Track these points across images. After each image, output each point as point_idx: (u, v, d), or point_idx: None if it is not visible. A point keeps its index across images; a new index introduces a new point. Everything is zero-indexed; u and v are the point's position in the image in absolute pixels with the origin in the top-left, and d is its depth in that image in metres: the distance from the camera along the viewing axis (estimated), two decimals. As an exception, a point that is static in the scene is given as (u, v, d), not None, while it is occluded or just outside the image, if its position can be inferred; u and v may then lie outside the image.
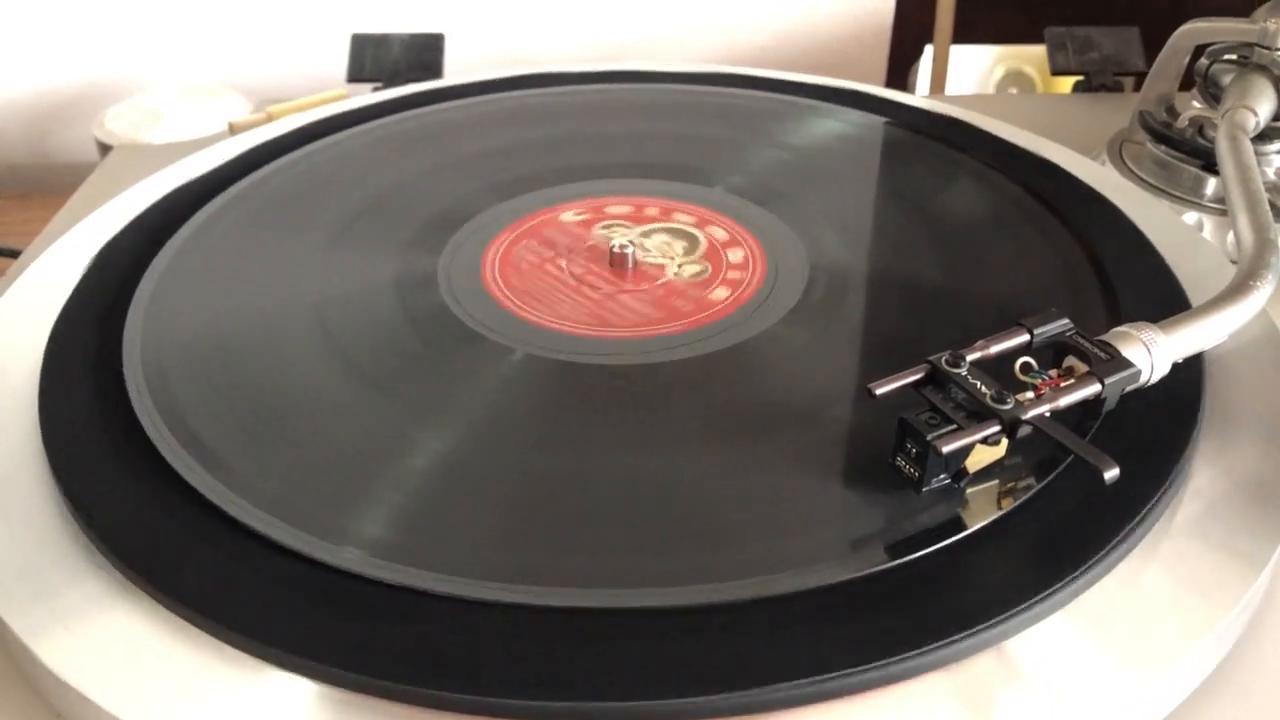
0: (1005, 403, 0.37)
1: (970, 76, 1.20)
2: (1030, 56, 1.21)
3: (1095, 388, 0.39)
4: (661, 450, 0.43)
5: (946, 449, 0.36)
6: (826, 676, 0.32)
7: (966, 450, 0.37)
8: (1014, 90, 1.21)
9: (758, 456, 0.42)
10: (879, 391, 0.38)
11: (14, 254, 0.62)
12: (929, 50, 1.14)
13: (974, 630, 0.34)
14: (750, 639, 0.34)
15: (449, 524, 0.39)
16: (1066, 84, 0.86)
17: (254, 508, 0.38)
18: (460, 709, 0.32)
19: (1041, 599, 0.35)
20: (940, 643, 0.33)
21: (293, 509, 0.38)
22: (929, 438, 0.37)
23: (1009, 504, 0.38)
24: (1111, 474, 0.35)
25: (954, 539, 0.37)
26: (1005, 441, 0.38)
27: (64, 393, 0.44)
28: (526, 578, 0.36)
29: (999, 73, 1.21)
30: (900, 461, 0.39)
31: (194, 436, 0.42)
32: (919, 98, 0.73)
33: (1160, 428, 0.42)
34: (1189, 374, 0.44)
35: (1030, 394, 0.38)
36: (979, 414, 0.37)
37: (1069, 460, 0.39)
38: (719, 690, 0.32)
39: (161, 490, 0.39)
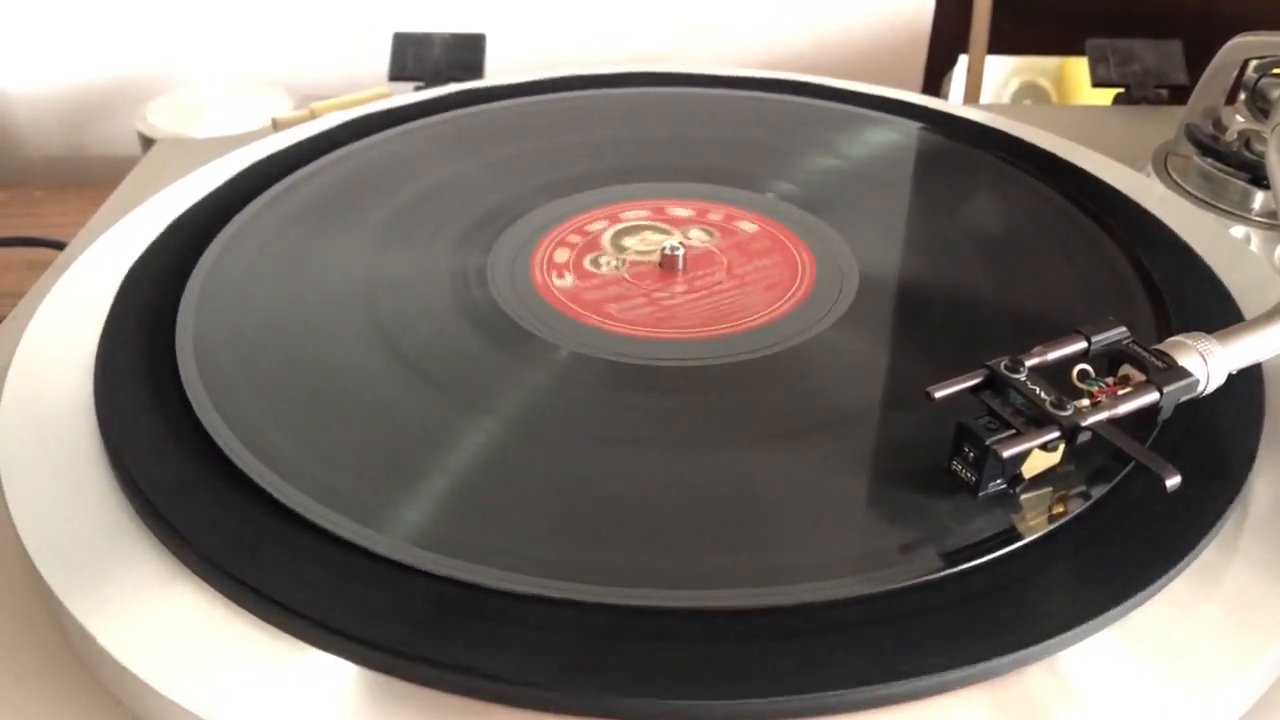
0: (1065, 409, 0.37)
1: (986, 86, 1.20)
2: (1045, 69, 1.21)
3: (1153, 396, 0.38)
4: (707, 454, 0.42)
5: (1006, 453, 0.36)
6: (874, 685, 0.32)
7: (1024, 455, 0.37)
8: (1029, 101, 1.20)
9: (807, 461, 0.42)
10: (938, 395, 0.38)
11: (59, 245, 0.63)
12: (963, 60, 1.14)
13: (1028, 642, 0.33)
14: (798, 645, 0.34)
15: (494, 517, 0.39)
16: (1082, 95, 0.86)
17: (306, 496, 0.38)
18: (497, 699, 0.33)
19: (1097, 614, 0.34)
20: (993, 654, 0.33)
21: (344, 497, 0.39)
22: (988, 442, 0.37)
23: (1065, 515, 0.38)
24: (1173, 481, 0.35)
25: (1009, 549, 0.37)
26: (1062, 448, 0.38)
27: (120, 382, 0.44)
28: (567, 573, 0.36)
29: (1014, 84, 1.21)
30: (957, 465, 0.38)
31: (247, 425, 0.42)
32: (966, 107, 0.73)
33: (1219, 446, 0.41)
34: (1248, 390, 0.43)
35: (1087, 401, 0.38)
36: (1037, 420, 0.37)
37: (1125, 471, 0.39)
38: (754, 695, 0.32)
39: (216, 477, 0.40)
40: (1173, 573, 0.36)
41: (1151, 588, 0.36)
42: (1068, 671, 0.34)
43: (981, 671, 0.33)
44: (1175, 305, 0.50)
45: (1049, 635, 0.34)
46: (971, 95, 1.09)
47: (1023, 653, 0.33)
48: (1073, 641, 0.34)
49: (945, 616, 0.35)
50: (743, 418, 0.44)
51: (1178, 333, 0.42)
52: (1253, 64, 0.66)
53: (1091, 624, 0.34)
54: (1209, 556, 0.38)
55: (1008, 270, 0.54)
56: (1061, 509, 0.38)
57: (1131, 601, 0.35)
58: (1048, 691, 0.33)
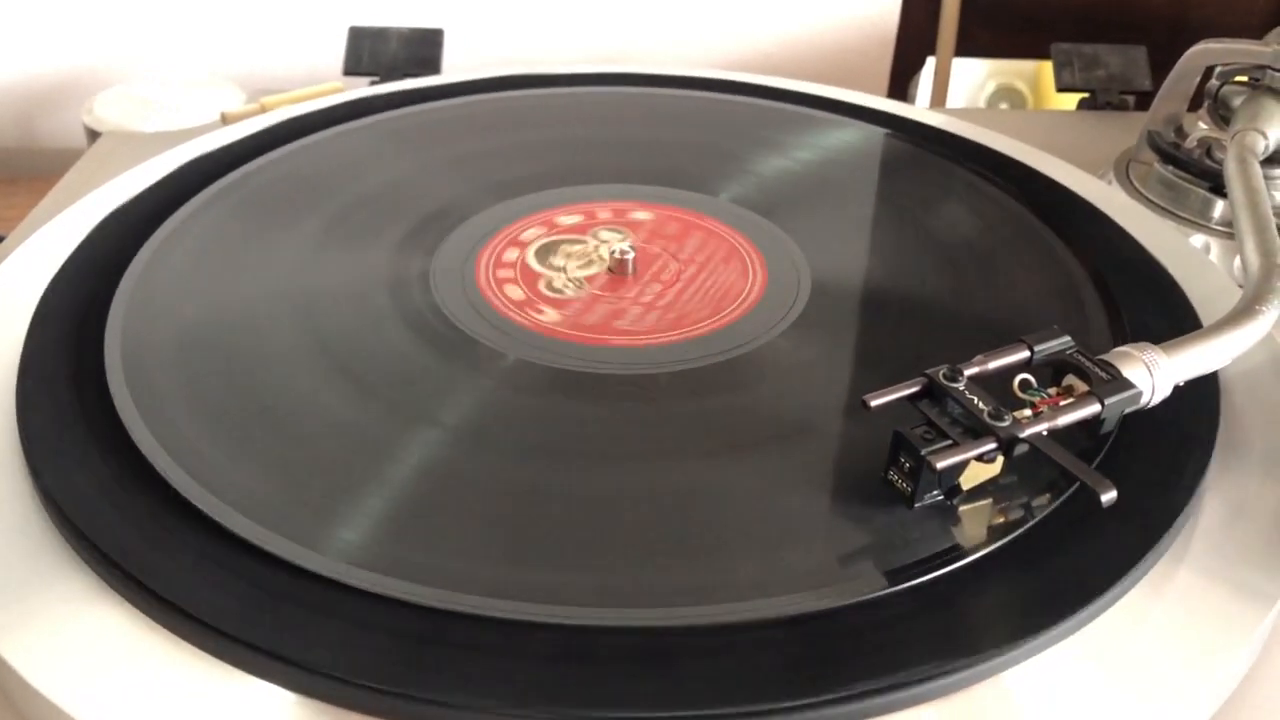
0: (1002, 420, 0.36)
1: (962, 90, 1.19)
2: (1021, 71, 1.21)
3: (1095, 408, 0.38)
4: (652, 463, 0.42)
5: (941, 465, 0.35)
6: (814, 706, 0.32)
7: (961, 467, 0.36)
8: (1005, 105, 1.20)
9: (752, 472, 0.41)
10: (874, 404, 0.38)
11: (-3, 239, 0.61)
12: (930, 62, 1.14)
13: (972, 660, 0.33)
14: (734, 665, 0.33)
15: (434, 533, 0.38)
16: (1058, 100, 0.86)
17: (234, 510, 0.37)
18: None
19: (1044, 630, 0.34)
20: (937, 672, 0.32)
21: (275, 512, 0.37)
22: (923, 453, 0.36)
23: (1008, 527, 0.37)
24: (1109, 497, 0.35)
25: (953, 566, 0.36)
26: (1001, 459, 0.37)
27: (43, 386, 0.43)
28: (514, 592, 0.35)
29: (990, 87, 1.21)
30: (893, 475, 0.38)
31: (175, 435, 0.40)
32: (927, 111, 0.72)
33: (1171, 456, 0.41)
34: (1203, 401, 0.43)
35: (1028, 412, 0.37)
36: (975, 430, 0.36)
37: (1076, 486, 0.38)
38: (696, 714, 0.31)
39: (141, 489, 0.38)
40: (1123, 585, 0.36)
41: (1102, 601, 0.35)
42: (1016, 689, 0.33)
43: (927, 691, 0.32)
44: (1132, 315, 0.49)
45: (995, 652, 0.33)
46: (938, 98, 1.08)
47: (968, 671, 0.33)
48: (1021, 658, 0.34)
49: (887, 634, 0.34)
50: (692, 427, 0.44)
51: (1135, 342, 0.41)
52: (1216, 71, 0.65)
53: (1039, 640, 0.34)
54: (1161, 569, 0.37)
55: (964, 277, 0.54)
56: (1005, 523, 0.37)
57: (1081, 616, 0.35)
58: (997, 710, 0.33)
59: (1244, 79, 0.64)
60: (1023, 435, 0.36)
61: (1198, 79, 0.66)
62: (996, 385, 0.38)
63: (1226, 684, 0.35)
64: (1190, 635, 0.35)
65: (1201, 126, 0.66)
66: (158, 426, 0.41)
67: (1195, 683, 0.34)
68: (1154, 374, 0.39)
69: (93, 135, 0.81)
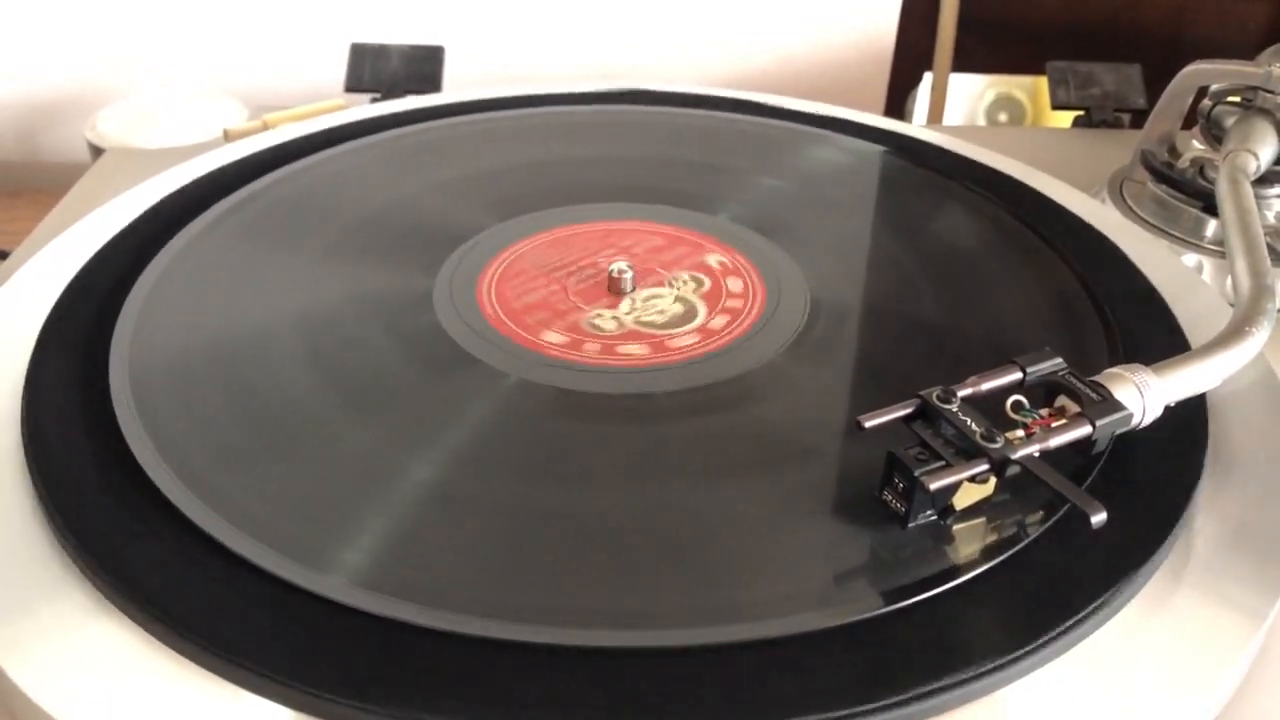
0: (995, 441, 0.37)
1: (961, 100, 1.20)
2: (1020, 81, 1.21)
3: (1086, 429, 0.38)
4: (653, 483, 0.42)
5: (933, 486, 0.36)
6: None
7: (954, 488, 0.37)
8: (1004, 115, 1.21)
9: (750, 492, 0.41)
10: (868, 425, 0.38)
11: (1, 255, 0.62)
12: (928, 77, 1.14)
13: (964, 678, 0.33)
14: (729, 685, 0.33)
15: (435, 553, 0.38)
16: (1055, 111, 0.86)
17: (236, 530, 0.37)
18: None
19: (1036, 647, 0.34)
20: (932, 690, 0.33)
21: (277, 532, 0.37)
22: (916, 473, 0.36)
23: (1005, 548, 0.37)
24: (1098, 519, 0.35)
25: (947, 586, 0.36)
26: (993, 480, 0.38)
27: (48, 405, 0.43)
28: (516, 614, 0.35)
29: (989, 96, 1.21)
30: (887, 495, 0.38)
31: (178, 454, 0.41)
32: (925, 129, 0.72)
33: (1163, 474, 0.41)
34: (1192, 420, 0.43)
35: (1020, 433, 0.38)
36: (968, 451, 0.37)
37: (1067, 506, 0.38)
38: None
39: (143, 508, 0.38)
40: (1116, 602, 0.36)
41: (1095, 619, 0.35)
42: (1011, 707, 0.34)
43: (922, 710, 0.33)
44: (1124, 334, 0.49)
45: (989, 670, 0.33)
46: (936, 113, 1.09)
47: (963, 689, 0.33)
48: (1015, 676, 0.34)
49: (881, 653, 0.34)
50: (690, 447, 0.44)
51: (1127, 362, 0.41)
52: (1209, 91, 0.66)
53: (1034, 658, 0.34)
54: (1153, 587, 0.38)
55: (960, 296, 0.54)
56: (996, 540, 0.38)
57: (1075, 634, 0.35)
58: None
59: (1236, 99, 0.64)
60: (1015, 456, 0.36)
61: (1191, 98, 0.66)
62: (990, 405, 0.39)
63: (1219, 699, 0.36)
64: (1183, 652, 0.35)
65: (1195, 145, 0.66)
66: (161, 446, 0.41)
67: (1188, 698, 0.34)
68: (1145, 395, 0.40)
69: (96, 151, 0.81)
